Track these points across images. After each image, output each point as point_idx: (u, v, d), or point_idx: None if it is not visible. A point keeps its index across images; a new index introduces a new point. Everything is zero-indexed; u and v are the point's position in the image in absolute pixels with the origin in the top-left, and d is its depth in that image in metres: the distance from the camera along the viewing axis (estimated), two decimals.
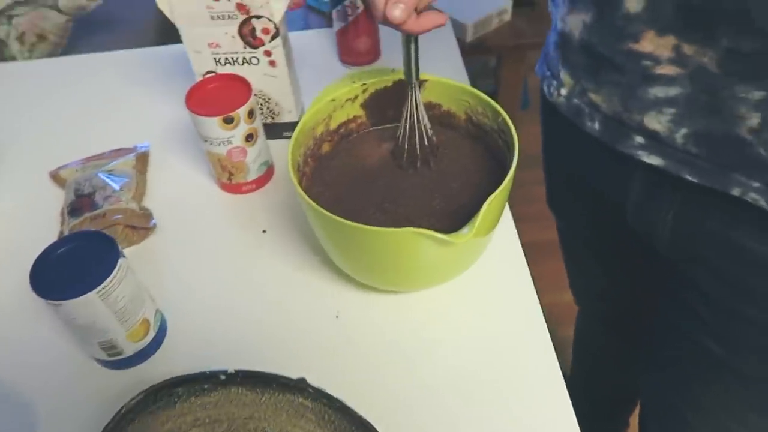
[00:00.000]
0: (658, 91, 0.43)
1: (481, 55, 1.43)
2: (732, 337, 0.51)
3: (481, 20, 1.28)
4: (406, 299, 0.57)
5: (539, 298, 0.56)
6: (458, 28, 1.28)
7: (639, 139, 0.47)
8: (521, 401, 0.50)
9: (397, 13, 0.43)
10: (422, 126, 0.55)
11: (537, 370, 0.52)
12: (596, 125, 0.50)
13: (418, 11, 0.45)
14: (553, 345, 0.54)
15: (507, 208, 0.63)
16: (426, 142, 0.56)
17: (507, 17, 1.33)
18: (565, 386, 0.51)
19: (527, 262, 0.59)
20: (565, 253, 0.82)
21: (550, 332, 0.54)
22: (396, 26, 0.45)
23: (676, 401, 0.61)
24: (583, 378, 1.07)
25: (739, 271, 0.47)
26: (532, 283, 0.58)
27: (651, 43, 0.42)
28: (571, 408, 0.50)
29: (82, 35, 1.39)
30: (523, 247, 0.60)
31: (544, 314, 0.55)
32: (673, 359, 0.60)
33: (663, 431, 0.66)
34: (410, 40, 0.49)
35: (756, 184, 0.41)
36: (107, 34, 1.43)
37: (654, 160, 0.46)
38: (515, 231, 0.62)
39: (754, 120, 0.39)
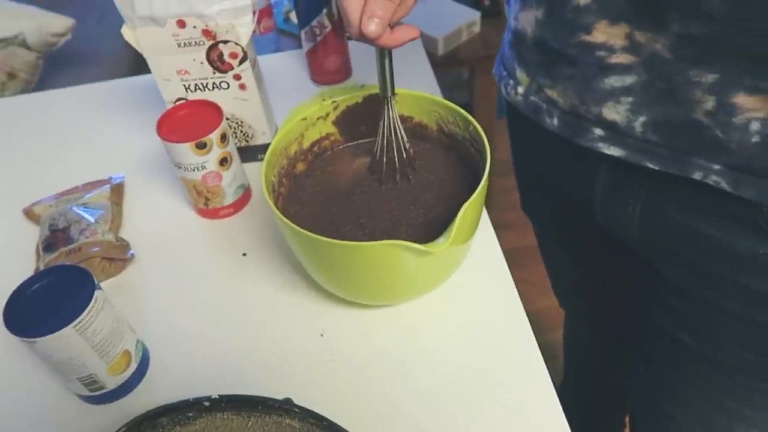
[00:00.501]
0: (614, 81, 0.44)
1: (454, 67, 1.45)
2: (705, 328, 0.51)
3: (451, 33, 1.30)
4: (389, 313, 0.57)
5: (529, 304, 0.56)
6: (429, 42, 1.29)
7: (598, 132, 0.47)
8: (510, 408, 0.50)
9: (372, 27, 0.43)
10: (399, 139, 0.55)
11: (525, 376, 0.52)
12: (555, 121, 0.50)
13: (391, 26, 0.46)
14: (546, 349, 0.53)
15: (485, 216, 0.63)
16: (404, 155, 0.57)
17: (476, 29, 1.35)
18: (553, 389, 0.51)
19: (516, 267, 0.59)
20: (543, 255, 0.83)
21: (541, 337, 0.54)
22: (371, 41, 0.45)
23: (659, 396, 0.61)
24: (575, 380, 1.07)
25: (704, 261, 0.47)
26: (515, 288, 0.58)
27: (603, 34, 0.43)
28: (561, 410, 0.49)
29: (53, 72, 1.39)
30: (510, 252, 0.60)
31: (535, 319, 0.55)
32: (653, 354, 0.60)
33: (650, 428, 0.66)
34: (384, 54, 0.50)
35: (716, 167, 0.42)
36: (78, 70, 1.43)
37: (614, 151, 0.47)
38: (495, 237, 0.62)
39: (709, 103, 0.40)
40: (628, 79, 0.43)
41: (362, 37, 0.45)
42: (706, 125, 0.41)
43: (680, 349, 0.54)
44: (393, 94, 0.53)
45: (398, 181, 0.57)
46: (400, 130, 0.55)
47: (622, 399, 1.03)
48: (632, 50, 0.42)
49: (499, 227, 0.64)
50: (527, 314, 0.56)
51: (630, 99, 0.44)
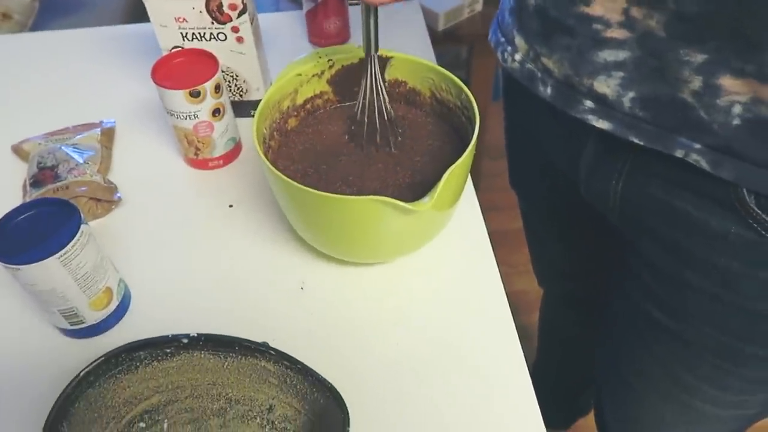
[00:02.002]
0: (607, 55, 0.45)
1: (453, 44, 1.45)
2: (674, 304, 0.53)
3: (453, 9, 1.30)
4: (369, 272, 0.58)
5: (508, 286, 0.57)
6: (430, 17, 1.29)
7: (588, 104, 0.48)
8: (481, 373, 0.52)
9: None
10: (381, 100, 0.55)
11: (498, 342, 0.53)
12: (548, 90, 0.51)
13: None
14: (521, 331, 0.55)
15: (471, 187, 0.64)
16: (385, 117, 0.57)
17: (478, 7, 1.34)
18: (523, 359, 0.52)
19: (498, 249, 0.60)
20: (527, 232, 0.84)
21: (517, 319, 0.55)
22: None
23: (623, 368, 0.63)
24: (546, 359, 1.09)
25: (679, 237, 0.49)
26: (494, 258, 0.59)
27: (602, 7, 0.44)
28: (529, 377, 0.51)
29: (49, 16, 1.37)
30: (494, 234, 0.61)
31: (512, 302, 0.56)
32: (621, 327, 0.62)
33: (613, 402, 0.69)
34: (369, 11, 0.50)
35: (697, 146, 0.43)
36: (74, 16, 1.41)
37: (602, 125, 0.48)
38: (479, 207, 0.64)
39: (696, 83, 0.41)
40: (621, 54, 0.44)
41: None
42: (691, 105, 0.42)
43: (648, 324, 0.56)
44: (376, 52, 0.53)
45: (379, 147, 0.58)
46: (382, 90, 0.55)
47: (590, 382, 1.06)
48: (627, 25, 0.43)
49: (485, 209, 0.65)
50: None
51: (621, 74, 0.45)
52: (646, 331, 0.58)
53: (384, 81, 0.61)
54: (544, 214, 0.77)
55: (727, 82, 0.40)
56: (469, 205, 0.63)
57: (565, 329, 1.02)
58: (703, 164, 0.43)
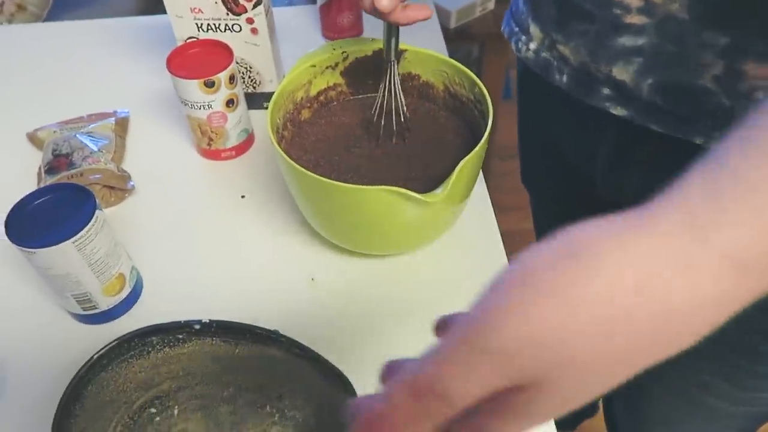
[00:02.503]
0: (626, 41, 0.45)
1: (465, 42, 1.44)
2: None
3: (465, 7, 1.30)
4: (380, 264, 0.59)
5: None
6: (442, 15, 1.29)
7: (606, 91, 0.48)
8: None
9: (385, 2, 0.44)
10: (398, 103, 0.56)
11: None
12: (564, 78, 0.51)
13: (404, 1, 0.47)
14: None
15: (483, 183, 0.64)
16: (402, 118, 0.58)
17: (491, 6, 1.34)
18: None
19: (507, 249, 0.60)
20: (537, 230, 0.84)
21: None
22: (382, 16, 0.46)
23: None
24: None
25: None
26: (504, 254, 0.59)
27: None
28: None
29: (63, 8, 1.38)
30: (504, 235, 0.61)
31: None
32: None
33: (623, 399, 0.69)
34: (392, 28, 0.51)
35: (717, 133, 0.43)
36: (87, 8, 1.41)
37: (620, 112, 0.48)
38: (490, 204, 0.64)
39: (718, 68, 0.41)
40: (640, 40, 0.44)
41: (374, 11, 0.46)
42: (712, 91, 0.42)
43: None
44: (396, 58, 0.54)
45: (394, 142, 0.58)
46: (399, 94, 0.56)
47: None
48: (647, 11, 0.43)
49: (494, 209, 0.65)
50: None
51: (640, 60, 0.45)
52: None
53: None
54: (555, 211, 0.77)
55: (750, 67, 0.40)
56: (480, 202, 0.63)
57: None
58: None
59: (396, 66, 0.55)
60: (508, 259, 0.59)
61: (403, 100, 0.57)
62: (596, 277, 0.22)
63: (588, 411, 1.16)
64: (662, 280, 0.22)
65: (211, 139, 0.66)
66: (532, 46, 0.54)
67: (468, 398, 0.23)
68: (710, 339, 0.57)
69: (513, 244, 0.71)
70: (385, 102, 0.56)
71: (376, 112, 0.57)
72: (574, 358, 0.22)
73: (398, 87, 0.56)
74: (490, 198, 0.64)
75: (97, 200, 0.49)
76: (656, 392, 0.63)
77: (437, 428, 0.24)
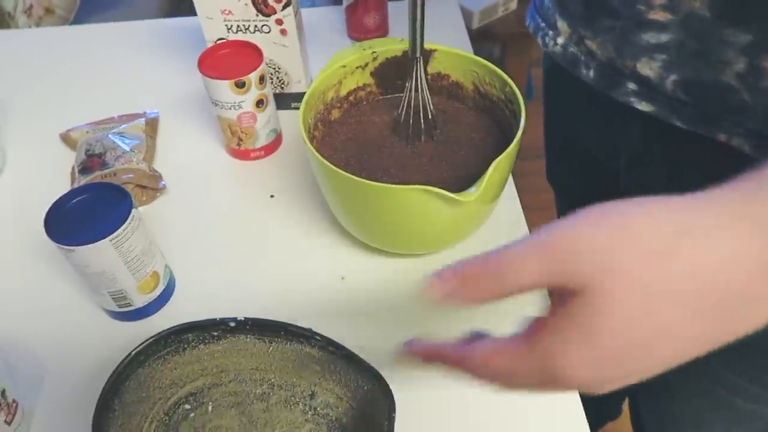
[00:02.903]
0: (650, 37, 0.45)
1: (487, 42, 1.44)
2: None
3: (488, 8, 1.30)
4: (410, 263, 0.59)
5: None
6: (464, 15, 1.29)
7: (631, 86, 0.48)
8: None
9: None
10: (425, 101, 0.56)
11: None
12: (591, 73, 0.51)
13: None
14: None
15: (512, 182, 0.64)
16: (429, 116, 0.58)
17: (513, 6, 1.34)
18: None
19: None
20: None
21: None
22: None
23: None
24: None
25: None
26: None
27: None
28: None
29: (90, 10, 1.40)
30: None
31: None
32: None
33: (650, 401, 0.68)
34: (416, 9, 0.51)
35: (740, 130, 0.43)
36: (112, 11, 1.44)
37: (645, 107, 0.48)
38: (519, 204, 0.63)
39: (740, 65, 0.41)
40: (663, 37, 0.44)
41: None
42: (734, 88, 0.42)
43: None
44: (422, 53, 0.54)
45: (423, 141, 0.58)
46: (426, 92, 0.56)
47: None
48: (670, 8, 0.43)
49: None
50: None
51: (663, 56, 0.45)
52: None
53: (426, 75, 0.61)
54: (580, 208, 0.76)
55: None
56: (510, 201, 0.63)
57: None
58: (746, 148, 0.43)
59: (421, 63, 0.55)
60: None
61: (429, 98, 0.57)
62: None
63: (612, 413, 1.15)
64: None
65: (240, 139, 0.67)
66: (560, 40, 0.54)
67: (520, 282, 0.29)
68: (738, 340, 0.56)
69: None
70: (412, 100, 0.56)
71: (403, 111, 0.57)
72: (622, 269, 0.26)
73: (425, 84, 0.56)
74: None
75: (132, 200, 0.50)
76: (684, 393, 0.62)
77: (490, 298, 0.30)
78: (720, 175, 0.46)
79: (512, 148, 0.49)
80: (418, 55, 0.54)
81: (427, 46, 0.59)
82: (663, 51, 0.45)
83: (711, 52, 0.42)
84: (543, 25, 0.57)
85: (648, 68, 0.46)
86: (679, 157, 0.49)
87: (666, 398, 0.66)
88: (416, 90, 0.56)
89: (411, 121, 0.57)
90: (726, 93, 0.43)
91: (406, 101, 0.57)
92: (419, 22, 0.52)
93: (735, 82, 0.42)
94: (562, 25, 0.54)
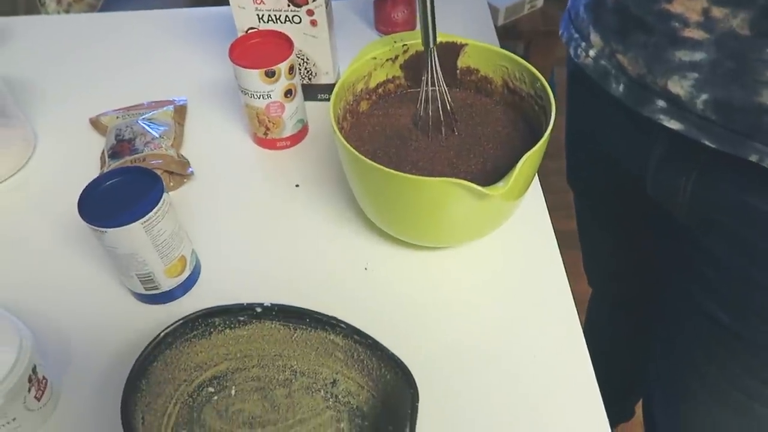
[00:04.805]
0: (683, 55, 0.44)
1: (512, 40, 1.43)
2: (738, 302, 0.52)
3: (514, 4, 1.29)
4: (434, 256, 0.59)
5: None
6: (490, 12, 1.29)
7: (661, 103, 0.48)
8: (542, 359, 0.52)
9: None
10: (443, 92, 0.57)
11: (560, 334, 0.53)
12: (621, 88, 0.51)
13: None
14: None
15: (536, 179, 0.64)
16: (447, 107, 0.58)
17: (539, 4, 1.33)
18: (587, 350, 0.52)
19: None
20: (580, 231, 0.83)
21: None
22: None
23: (680, 371, 0.62)
24: (592, 362, 1.08)
25: (751, 235, 0.48)
26: (558, 251, 0.59)
27: (682, 5, 0.43)
28: (593, 373, 0.51)
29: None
30: None
31: None
32: (681, 329, 0.61)
33: (665, 404, 0.67)
34: (427, 13, 0.52)
35: None
36: (140, 1, 1.45)
37: (674, 125, 0.47)
38: (544, 201, 0.63)
39: None
40: (697, 55, 0.44)
41: None
42: None
43: (709, 323, 0.55)
44: (435, 44, 0.54)
45: (443, 134, 0.58)
46: (442, 82, 0.56)
47: (634, 386, 1.05)
48: (705, 26, 0.42)
49: None
50: None
51: (696, 75, 0.44)
52: (707, 330, 0.57)
53: (456, 69, 0.61)
54: (600, 211, 0.76)
55: None
56: (534, 200, 0.63)
57: (612, 330, 1.01)
58: None
59: (435, 55, 0.55)
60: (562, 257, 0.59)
61: (446, 89, 0.57)
62: None
63: (625, 415, 1.14)
64: None
65: (267, 129, 0.67)
66: (592, 53, 0.54)
67: None
68: (752, 343, 0.56)
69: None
70: (429, 93, 0.56)
71: (422, 104, 0.58)
72: None
73: (440, 76, 0.56)
74: None
75: (163, 184, 0.51)
76: (699, 397, 0.62)
77: None
78: (752, 184, 0.46)
79: (542, 143, 0.49)
80: (431, 46, 0.54)
81: (457, 40, 0.60)
82: (695, 69, 0.44)
83: (747, 72, 0.42)
84: (576, 36, 0.57)
85: (679, 86, 0.46)
86: (709, 167, 0.49)
87: (681, 402, 0.66)
88: (432, 83, 0.56)
89: (430, 114, 0.58)
90: (760, 114, 0.42)
91: (423, 94, 0.57)
92: (429, 14, 0.52)
93: None
94: (595, 37, 0.54)
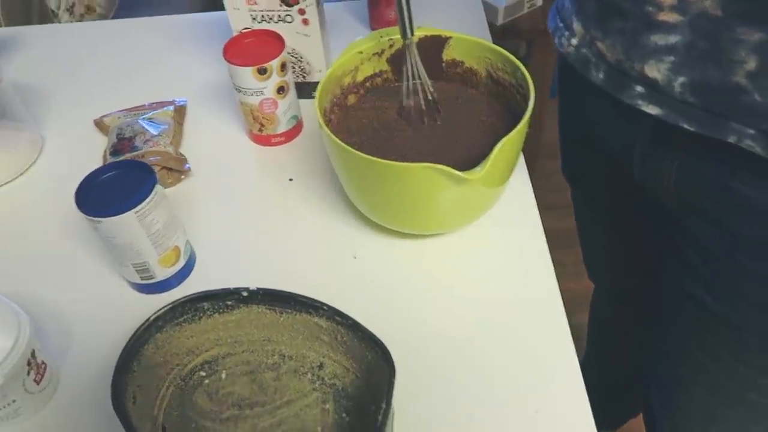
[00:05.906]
0: (658, 39, 0.45)
1: (512, 39, 1.44)
2: (724, 287, 0.52)
3: (513, 4, 1.30)
4: (421, 244, 0.60)
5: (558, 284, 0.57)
6: (489, 11, 1.30)
7: (639, 89, 0.48)
8: (526, 345, 0.52)
9: None
10: (424, 82, 0.58)
11: (545, 320, 0.54)
12: (601, 75, 0.52)
13: None
14: (570, 331, 0.55)
15: (524, 168, 0.65)
16: (429, 97, 0.59)
17: (538, 2, 1.34)
18: (570, 339, 0.53)
19: (551, 248, 0.60)
20: (578, 223, 0.84)
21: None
22: None
23: (674, 362, 0.62)
24: (596, 355, 1.08)
25: (735, 220, 0.48)
26: (543, 233, 0.60)
27: None
28: (578, 364, 0.51)
29: (129, 8, 1.46)
30: (547, 234, 0.61)
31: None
32: (674, 319, 0.61)
33: (663, 396, 0.67)
34: (402, 5, 0.53)
35: (751, 131, 0.42)
36: (150, 10, 1.49)
37: (653, 110, 0.48)
38: (531, 188, 0.64)
39: (752, 63, 0.41)
40: (672, 38, 0.44)
41: None
42: (744, 88, 0.42)
43: (698, 310, 0.55)
44: (413, 35, 0.56)
45: (425, 123, 0.60)
46: (422, 73, 0.58)
47: (640, 381, 1.04)
48: (679, 9, 0.43)
49: (540, 207, 0.65)
50: None
51: (671, 58, 0.45)
52: (696, 317, 0.57)
53: (442, 61, 0.63)
54: (593, 201, 0.76)
55: None
56: (522, 186, 0.64)
57: (615, 324, 1.01)
58: (758, 150, 0.43)
59: (413, 45, 0.57)
60: (547, 243, 0.59)
61: (426, 79, 0.58)
62: None
63: (633, 410, 1.13)
64: None
65: (262, 125, 0.69)
66: (574, 42, 0.55)
67: None
68: (739, 329, 0.56)
69: (558, 240, 0.71)
70: (410, 84, 0.58)
71: (404, 97, 0.60)
72: None
73: (420, 67, 0.58)
74: (536, 196, 0.65)
75: (156, 176, 0.53)
76: (696, 388, 0.62)
77: None
78: (734, 168, 0.47)
79: (520, 127, 0.50)
80: (408, 37, 0.56)
81: (442, 33, 0.61)
82: (671, 53, 0.45)
83: (721, 52, 0.42)
84: (561, 25, 0.58)
85: (656, 70, 0.47)
86: (692, 152, 0.50)
87: (678, 392, 0.66)
88: (413, 74, 0.57)
89: (412, 104, 0.59)
90: (735, 94, 0.43)
91: (405, 86, 0.59)
92: (405, 8, 0.54)
93: (745, 81, 0.42)
94: (577, 26, 0.54)
